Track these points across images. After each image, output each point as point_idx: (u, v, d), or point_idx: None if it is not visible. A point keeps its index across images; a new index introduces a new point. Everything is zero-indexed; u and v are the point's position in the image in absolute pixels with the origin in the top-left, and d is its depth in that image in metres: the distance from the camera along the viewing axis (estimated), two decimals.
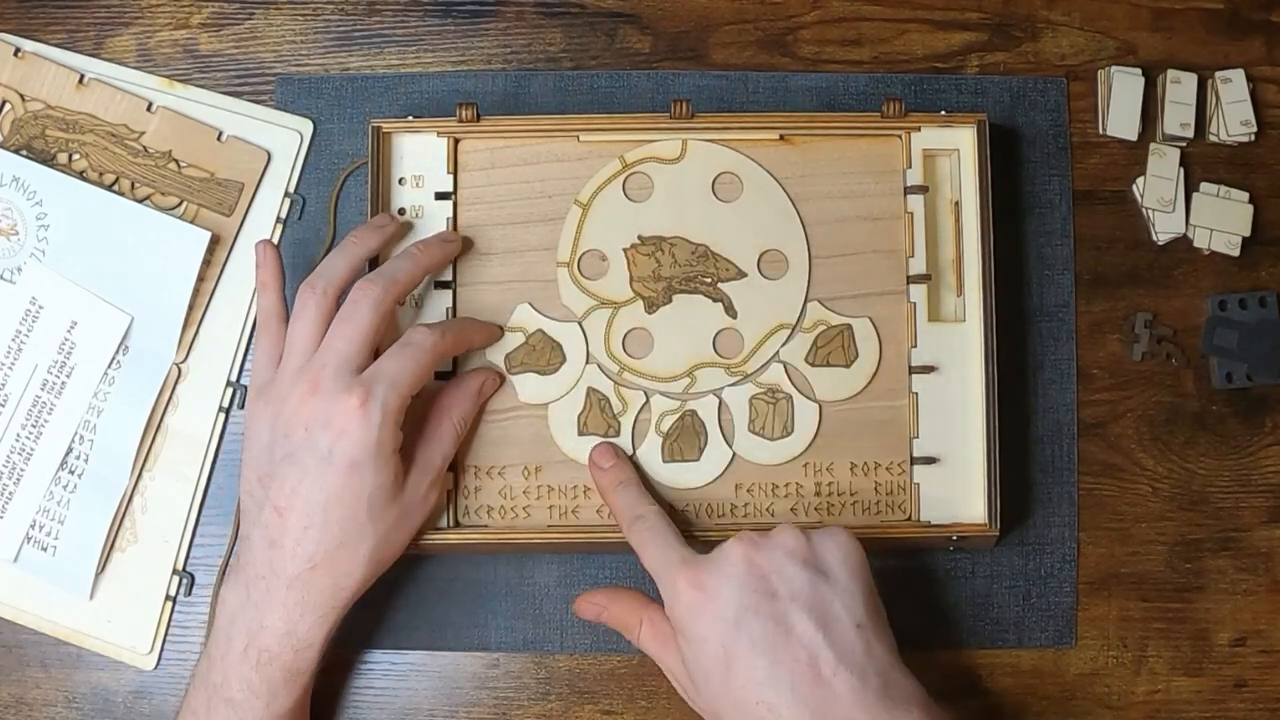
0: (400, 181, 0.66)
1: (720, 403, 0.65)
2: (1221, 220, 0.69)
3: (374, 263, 0.64)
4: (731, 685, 0.54)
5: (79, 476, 0.66)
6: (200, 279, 0.67)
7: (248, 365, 0.68)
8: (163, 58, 0.70)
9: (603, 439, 0.65)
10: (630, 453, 0.65)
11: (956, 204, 0.66)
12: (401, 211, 0.66)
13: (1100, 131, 0.70)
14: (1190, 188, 0.70)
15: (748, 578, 0.55)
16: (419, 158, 0.66)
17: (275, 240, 0.68)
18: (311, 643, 0.59)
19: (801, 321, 0.66)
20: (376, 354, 0.60)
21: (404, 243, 0.65)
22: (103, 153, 0.69)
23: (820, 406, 0.65)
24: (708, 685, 0.56)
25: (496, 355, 0.65)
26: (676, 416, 0.65)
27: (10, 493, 0.66)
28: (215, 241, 0.68)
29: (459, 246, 0.65)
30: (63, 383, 0.67)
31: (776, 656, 0.54)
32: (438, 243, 0.64)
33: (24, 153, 0.68)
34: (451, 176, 0.66)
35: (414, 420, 0.62)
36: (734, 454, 0.65)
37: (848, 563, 0.57)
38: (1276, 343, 0.68)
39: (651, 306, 0.66)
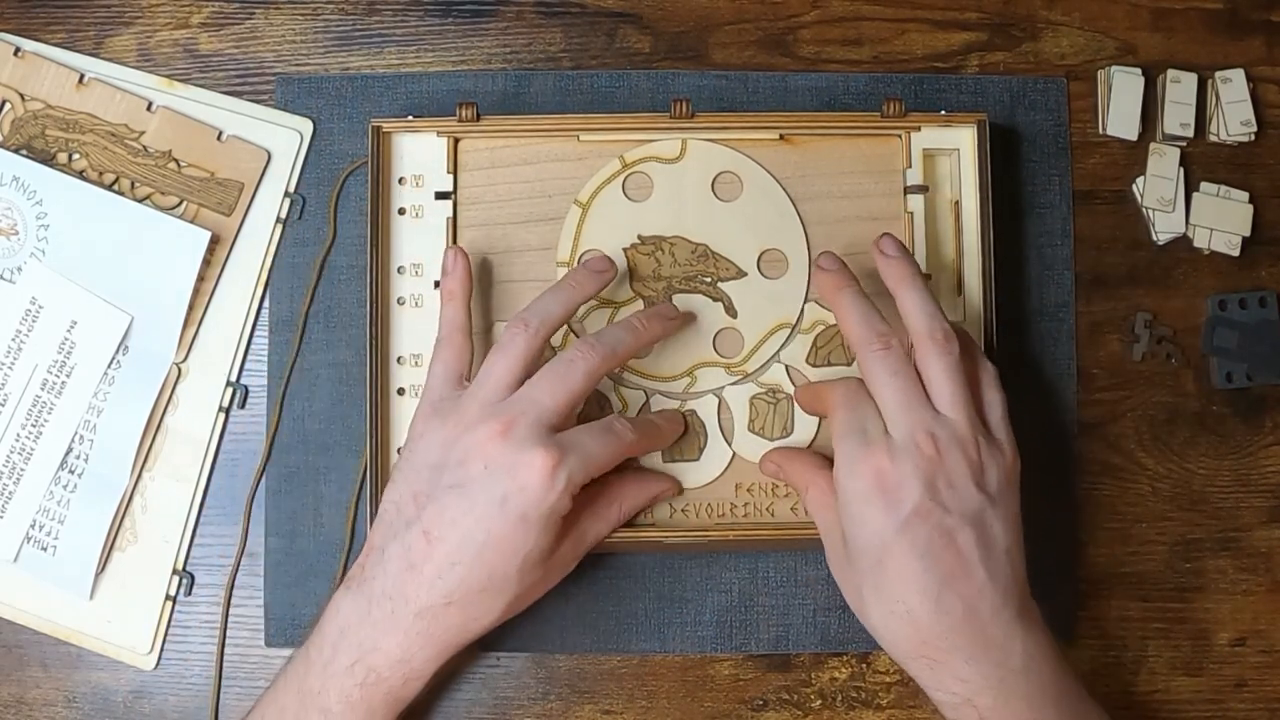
0: (400, 181, 0.66)
1: (720, 402, 0.65)
2: (1221, 220, 0.69)
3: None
4: (880, 577, 0.56)
5: (79, 476, 0.66)
6: (200, 279, 0.67)
7: (248, 365, 0.68)
8: (163, 57, 0.70)
9: None
10: None
11: (956, 204, 0.66)
12: (401, 211, 0.66)
13: (1100, 131, 0.70)
14: (1190, 188, 0.70)
15: (928, 486, 0.56)
16: (419, 157, 0.66)
17: (275, 240, 0.68)
18: (423, 675, 0.58)
19: (801, 321, 0.66)
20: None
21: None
22: (103, 152, 0.69)
23: None
24: (859, 561, 0.57)
25: None
26: None
27: (10, 493, 0.66)
28: (215, 241, 0.68)
29: (680, 322, 0.65)
30: (63, 383, 0.67)
31: (930, 566, 0.55)
32: (659, 319, 0.63)
33: (24, 152, 0.68)
34: (451, 176, 0.66)
35: (585, 492, 0.60)
36: (734, 454, 0.65)
37: (1011, 486, 0.58)
38: (1276, 343, 0.68)
39: (651, 306, 0.66)
